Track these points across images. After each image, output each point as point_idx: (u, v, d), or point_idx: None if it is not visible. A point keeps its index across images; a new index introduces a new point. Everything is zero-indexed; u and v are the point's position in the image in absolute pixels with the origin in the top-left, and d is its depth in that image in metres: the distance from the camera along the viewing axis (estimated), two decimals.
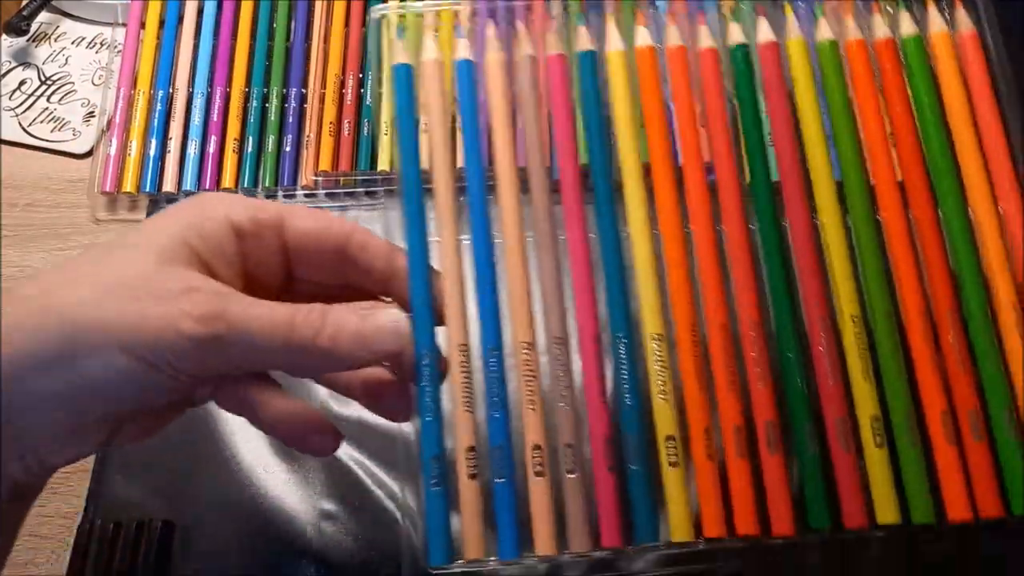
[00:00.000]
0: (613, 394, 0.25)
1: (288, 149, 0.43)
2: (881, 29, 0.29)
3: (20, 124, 0.46)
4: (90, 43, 0.49)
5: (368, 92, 0.44)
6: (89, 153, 0.45)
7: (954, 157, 0.28)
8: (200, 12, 0.47)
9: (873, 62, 0.29)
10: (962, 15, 0.29)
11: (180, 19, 0.47)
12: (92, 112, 0.46)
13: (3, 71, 0.47)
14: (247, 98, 0.45)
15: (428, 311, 0.25)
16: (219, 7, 0.47)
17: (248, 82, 0.45)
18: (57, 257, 0.43)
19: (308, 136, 0.43)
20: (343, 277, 0.26)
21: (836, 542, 0.25)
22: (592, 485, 0.25)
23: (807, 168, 0.28)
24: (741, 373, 0.26)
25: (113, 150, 0.44)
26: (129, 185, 0.43)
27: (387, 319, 0.24)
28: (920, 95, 0.28)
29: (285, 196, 0.43)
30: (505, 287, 0.26)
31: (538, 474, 0.24)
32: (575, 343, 0.26)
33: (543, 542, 0.24)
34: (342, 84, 0.44)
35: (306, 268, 0.26)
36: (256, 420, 0.24)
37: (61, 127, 0.46)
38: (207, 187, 0.43)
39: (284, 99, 0.45)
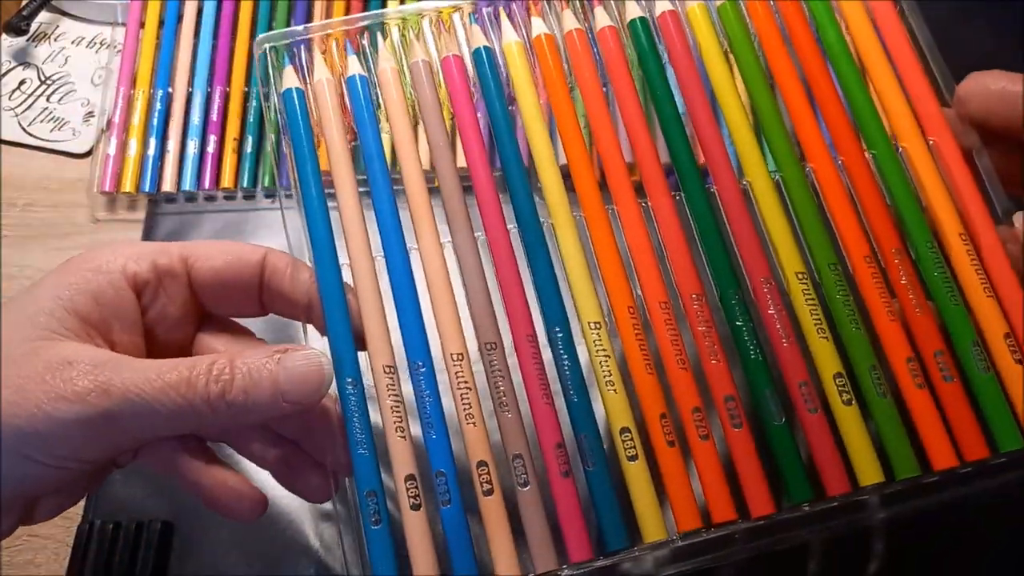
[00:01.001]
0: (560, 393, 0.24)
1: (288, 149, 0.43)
2: None
3: (20, 124, 0.46)
4: (90, 43, 0.49)
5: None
6: (88, 153, 0.45)
7: (874, 98, 0.27)
8: (200, 12, 0.47)
9: (778, 19, 0.28)
10: None
11: (180, 19, 0.47)
12: (92, 112, 0.46)
13: (3, 71, 0.47)
14: (247, 98, 0.45)
15: (347, 336, 0.23)
16: (219, 7, 0.47)
17: (248, 82, 0.45)
18: (56, 257, 0.40)
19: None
20: (263, 308, 0.25)
21: (821, 514, 0.23)
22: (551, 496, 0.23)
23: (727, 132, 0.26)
24: (691, 351, 0.24)
25: (112, 150, 0.44)
26: (128, 185, 0.43)
27: (304, 362, 0.22)
28: (831, 43, 0.27)
29: (286, 196, 0.41)
30: (426, 297, 0.24)
31: (487, 493, 0.22)
32: (510, 346, 0.24)
33: (504, 565, 0.22)
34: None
35: (221, 305, 0.24)
36: (181, 482, 0.22)
37: (61, 127, 0.46)
38: (207, 187, 0.43)
39: None
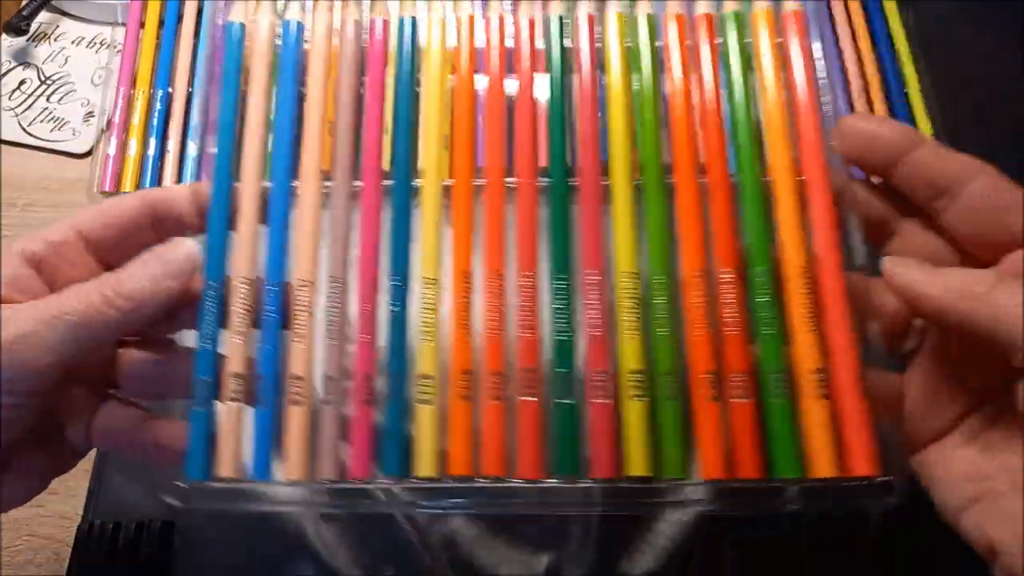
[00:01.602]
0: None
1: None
2: (703, 4, 0.29)
3: (20, 124, 0.47)
4: (90, 43, 0.50)
5: None
6: (88, 153, 0.46)
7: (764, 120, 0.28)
8: (200, 12, 0.48)
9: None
10: None
11: (179, 19, 0.48)
12: (92, 112, 0.47)
13: (3, 71, 0.48)
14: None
15: (220, 244, 0.27)
16: None
17: None
18: None
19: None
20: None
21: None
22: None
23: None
24: (513, 322, 0.26)
25: (112, 150, 0.45)
26: (128, 185, 0.45)
27: (174, 244, 0.26)
28: (732, 67, 0.28)
29: None
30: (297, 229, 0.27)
31: (294, 403, 0.26)
32: (355, 285, 0.27)
33: (292, 467, 0.25)
34: None
35: (127, 257, 0.27)
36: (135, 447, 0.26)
37: (61, 127, 0.47)
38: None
39: None
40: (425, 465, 0.25)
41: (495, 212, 0.27)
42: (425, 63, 0.29)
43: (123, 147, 0.45)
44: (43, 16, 0.49)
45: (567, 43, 0.30)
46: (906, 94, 0.46)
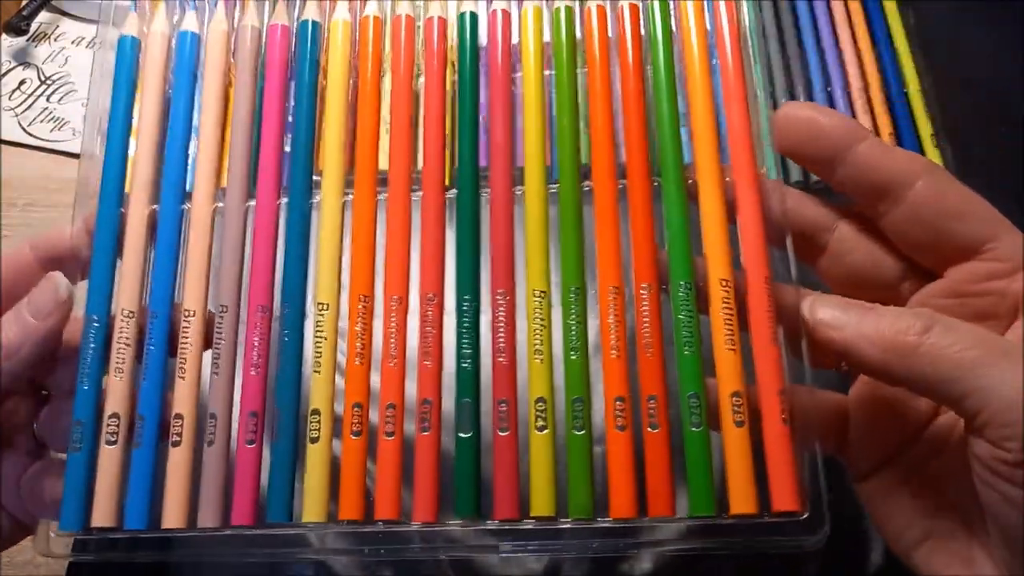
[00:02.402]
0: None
1: (287, 148, 0.44)
2: None
3: (20, 124, 0.47)
4: (90, 43, 0.50)
5: None
6: None
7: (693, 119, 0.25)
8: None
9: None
10: None
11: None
12: None
13: (3, 71, 0.48)
14: None
15: (104, 278, 0.25)
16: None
17: None
18: None
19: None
20: None
21: None
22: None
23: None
24: (412, 348, 0.24)
25: None
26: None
27: (42, 283, 0.24)
28: (657, 62, 0.26)
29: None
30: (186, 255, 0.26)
31: (175, 444, 0.24)
32: (245, 313, 0.25)
33: (172, 514, 0.23)
34: None
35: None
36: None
37: (61, 127, 0.47)
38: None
39: None
40: (313, 510, 0.23)
41: (398, 228, 0.25)
42: (328, 70, 0.27)
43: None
44: (43, 16, 0.49)
45: (480, 41, 0.27)
46: (906, 94, 0.46)
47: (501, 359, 0.24)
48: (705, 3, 0.27)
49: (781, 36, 0.48)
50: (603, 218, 0.25)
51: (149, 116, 0.27)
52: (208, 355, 0.25)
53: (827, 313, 0.22)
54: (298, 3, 0.29)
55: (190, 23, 0.29)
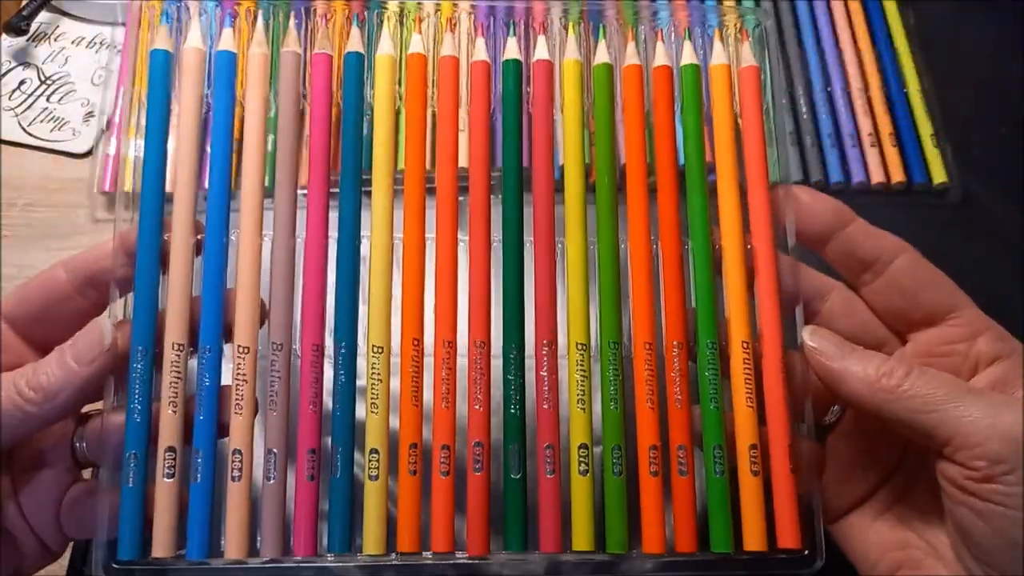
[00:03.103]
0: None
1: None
2: (661, 57, 0.29)
3: (20, 124, 0.46)
4: (90, 43, 0.49)
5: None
6: (89, 153, 0.46)
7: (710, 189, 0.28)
8: (199, 12, 0.47)
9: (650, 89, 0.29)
10: (746, 49, 0.29)
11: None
12: (92, 112, 0.47)
13: (3, 71, 0.48)
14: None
15: (148, 309, 0.26)
16: (218, 6, 0.46)
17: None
18: (56, 257, 0.41)
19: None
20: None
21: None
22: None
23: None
24: (462, 392, 0.26)
25: (112, 150, 0.45)
26: (128, 185, 0.42)
27: (84, 330, 0.24)
28: (688, 123, 0.29)
29: None
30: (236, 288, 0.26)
31: (235, 479, 0.25)
32: (299, 349, 0.26)
33: (234, 546, 0.25)
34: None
35: (52, 331, 0.26)
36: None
37: (61, 127, 0.47)
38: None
39: None
40: (372, 542, 0.25)
41: (445, 277, 0.27)
42: (374, 109, 0.28)
43: (123, 147, 0.43)
44: (43, 16, 0.49)
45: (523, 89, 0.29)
46: (906, 94, 0.47)
47: (546, 406, 0.26)
48: (733, 71, 0.29)
49: (781, 36, 0.48)
50: (638, 279, 0.27)
51: (186, 139, 0.27)
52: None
53: (822, 344, 0.26)
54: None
55: (227, 42, 0.28)
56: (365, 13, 0.29)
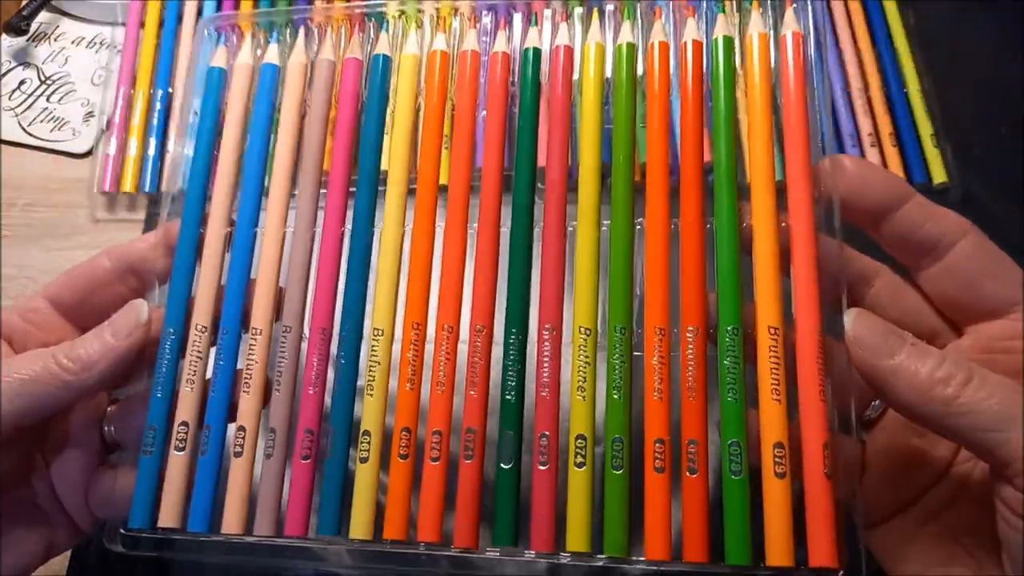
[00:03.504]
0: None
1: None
2: (691, 31, 0.28)
3: (20, 124, 0.47)
4: (90, 43, 0.50)
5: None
6: (89, 153, 0.47)
7: (740, 166, 0.26)
8: (200, 12, 0.49)
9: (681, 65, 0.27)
10: (789, 16, 0.27)
11: (179, 19, 0.49)
12: (92, 112, 0.48)
13: (3, 71, 0.48)
14: None
15: (181, 294, 0.28)
16: (218, 7, 0.49)
17: None
18: (57, 257, 0.44)
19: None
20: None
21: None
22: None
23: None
24: (460, 377, 0.25)
25: (112, 150, 0.46)
26: (128, 185, 0.45)
27: (123, 309, 0.27)
28: (718, 102, 0.27)
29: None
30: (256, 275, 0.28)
31: (237, 455, 0.26)
32: (307, 333, 0.27)
33: (231, 521, 0.25)
34: None
35: (95, 317, 0.28)
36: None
37: (61, 127, 0.47)
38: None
39: None
40: (360, 527, 0.24)
41: (453, 265, 0.27)
42: (394, 101, 0.29)
43: (123, 147, 0.46)
44: (43, 16, 0.50)
45: (542, 76, 0.28)
46: (906, 94, 0.46)
47: (544, 393, 0.25)
48: (771, 39, 0.27)
49: None
50: (653, 259, 0.25)
51: (229, 143, 0.30)
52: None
53: (868, 333, 0.22)
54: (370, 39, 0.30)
55: (272, 55, 0.31)
56: (382, 19, 0.30)
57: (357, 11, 0.31)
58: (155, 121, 0.46)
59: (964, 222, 0.24)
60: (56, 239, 0.44)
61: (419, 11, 0.30)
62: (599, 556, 0.23)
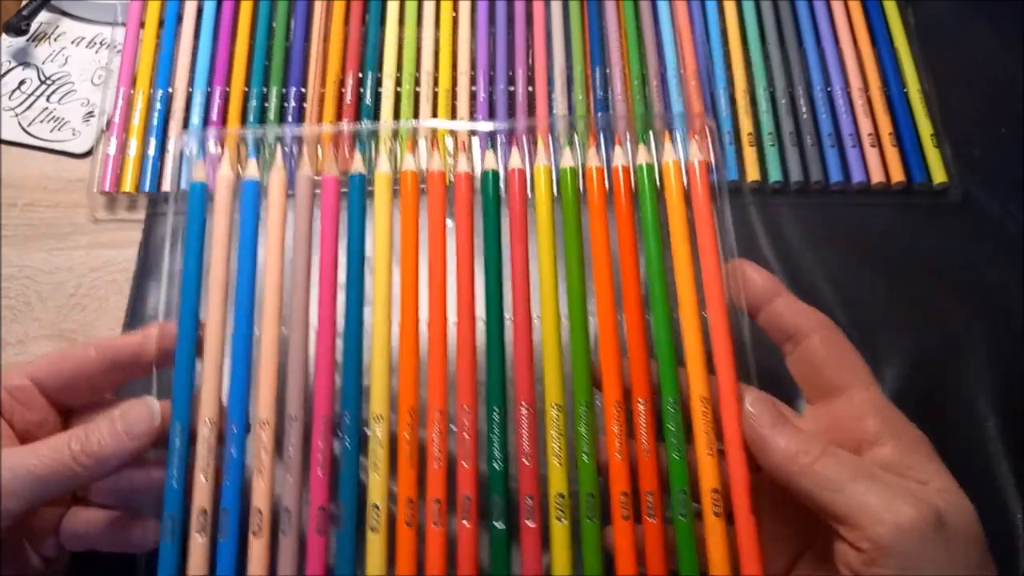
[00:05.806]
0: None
1: (287, 149, 0.44)
2: (620, 158, 0.36)
3: (20, 124, 0.48)
4: (90, 43, 0.52)
5: (368, 92, 0.48)
6: (88, 153, 0.48)
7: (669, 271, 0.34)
8: (200, 12, 0.51)
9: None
10: (694, 147, 0.36)
11: (179, 19, 0.51)
12: (91, 112, 0.49)
13: (3, 71, 0.50)
14: (246, 98, 0.49)
15: (185, 391, 0.32)
16: (218, 6, 0.51)
17: (247, 82, 0.49)
18: (57, 257, 0.45)
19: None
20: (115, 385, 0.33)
21: None
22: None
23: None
24: (453, 451, 0.31)
25: (112, 150, 0.47)
26: (128, 185, 0.47)
27: (135, 404, 0.31)
28: (646, 216, 0.34)
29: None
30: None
31: (255, 534, 0.30)
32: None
33: None
34: (341, 83, 0.49)
35: (77, 398, 0.32)
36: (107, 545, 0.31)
37: (61, 127, 0.48)
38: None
39: (283, 99, 0.49)
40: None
41: (437, 354, 0.33)
42: (375, 219, 0.35)
43: (123, 147, 0.47)
44: (43, 16, 0.52)
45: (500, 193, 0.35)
46: (906, 94, 0.48)
47: (526, 461, 0.31)
48: (682, 166, 0.35)
49: (781, 36, 0.50)
50: (606, 347, 0.32)
51: (218, 256, 0.34)
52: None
53: (759, 411, 0.30)
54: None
55: (252, 171, 0.36)
56: (355, 138, 0.36)
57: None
58: (155, 121, 0.48)
59: (821, 317, 0.32)
60: (56, 239, 0.46)
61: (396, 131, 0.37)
62: None
